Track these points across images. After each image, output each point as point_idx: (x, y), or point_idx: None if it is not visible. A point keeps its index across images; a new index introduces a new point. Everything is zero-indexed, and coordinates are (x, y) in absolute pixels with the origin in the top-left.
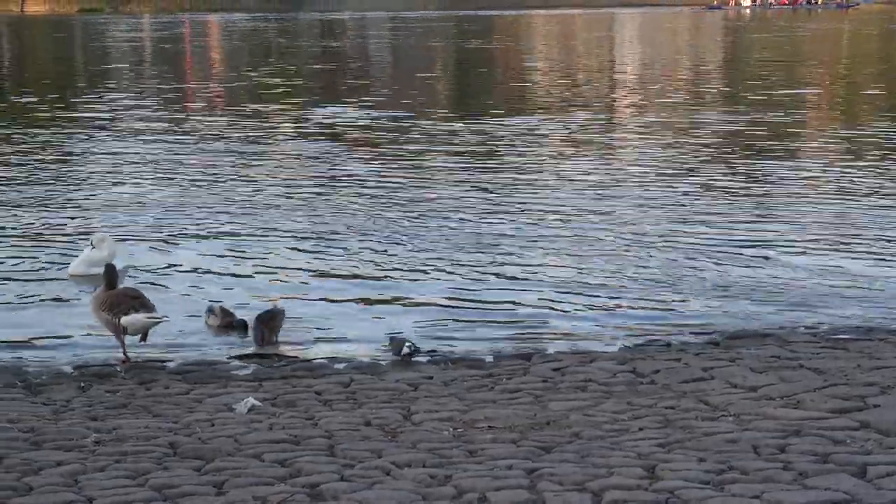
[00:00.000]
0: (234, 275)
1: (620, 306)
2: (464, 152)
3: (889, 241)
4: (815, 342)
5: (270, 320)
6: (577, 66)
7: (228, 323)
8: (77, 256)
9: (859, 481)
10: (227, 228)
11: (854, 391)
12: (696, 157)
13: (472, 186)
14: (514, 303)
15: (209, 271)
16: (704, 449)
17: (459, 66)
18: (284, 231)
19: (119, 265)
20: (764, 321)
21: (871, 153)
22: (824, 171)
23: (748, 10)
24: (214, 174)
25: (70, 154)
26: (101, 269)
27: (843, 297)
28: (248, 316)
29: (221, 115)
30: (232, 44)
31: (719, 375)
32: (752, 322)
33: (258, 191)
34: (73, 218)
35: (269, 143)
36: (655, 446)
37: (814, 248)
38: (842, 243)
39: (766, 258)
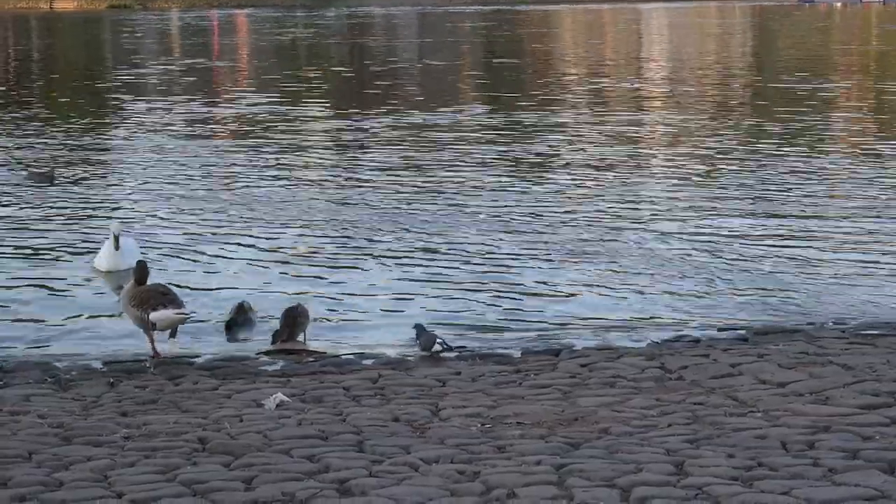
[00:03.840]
0: (262, 271)
1: (648, 302)
2: (494, 148)
3: None
4: (844, 338)
5: (294, 318)
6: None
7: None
8: (100, 251)
9: (889, 477)
10: (255, 225)
11: (883, 387)
12: (724, 154)
13: (499, 183)
14: (542, 298)
15: (237, 268)
16: (733, 445)
17: (495, 60)
18: (313, 227)
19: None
20: (792, 317)
21: None
22: (854, 167)
23: (839, 5)
24: (244, 171)
25: (96, 152)
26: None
27: (870, 293)
28: (276, 312)
29: (249, 113)
30: (260, 40)
31: (748, 371)
32: (781, 318)
33: (286, 187)
34: (100, 214)
35: (297, 140)
36: (684, 442)
37: (842, 245)
38: (870, 239)
39: (794, 254)
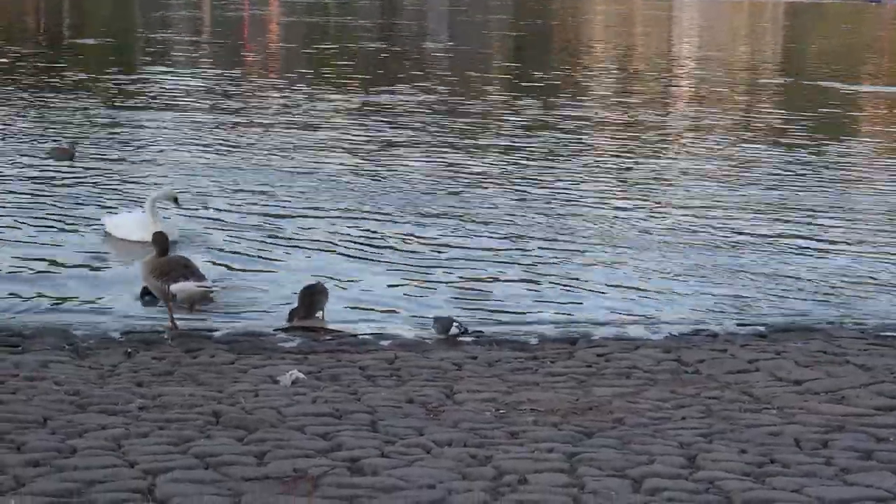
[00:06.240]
0: (282, 249)
1: (667, 295)
2: (519, 137)
3: None
4: (862, 339)
5: (311, 296)
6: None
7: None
8: (123, 216)
9: None
10: (276, 203)
11: None
12: (748, 150)
13: (522, 171)
14: (561, 287)
15: (258, 244)
16: (746, 441)
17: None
18: (333, 207)
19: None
20: (811, 316)
21: None
22: (877, 167)
23: None
24: (268, 149)
25: (120, 125)
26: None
27: (892, 295)
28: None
29: (276, 90)
30: (293, 18)
31: (764, 368)
32: (800, 316)
33: (308, 166)
34: (120, 188)
35: (322, 121)
36: (697, 436)
37: (865, 245)
38: (893, 240)
39: (816, 253)
